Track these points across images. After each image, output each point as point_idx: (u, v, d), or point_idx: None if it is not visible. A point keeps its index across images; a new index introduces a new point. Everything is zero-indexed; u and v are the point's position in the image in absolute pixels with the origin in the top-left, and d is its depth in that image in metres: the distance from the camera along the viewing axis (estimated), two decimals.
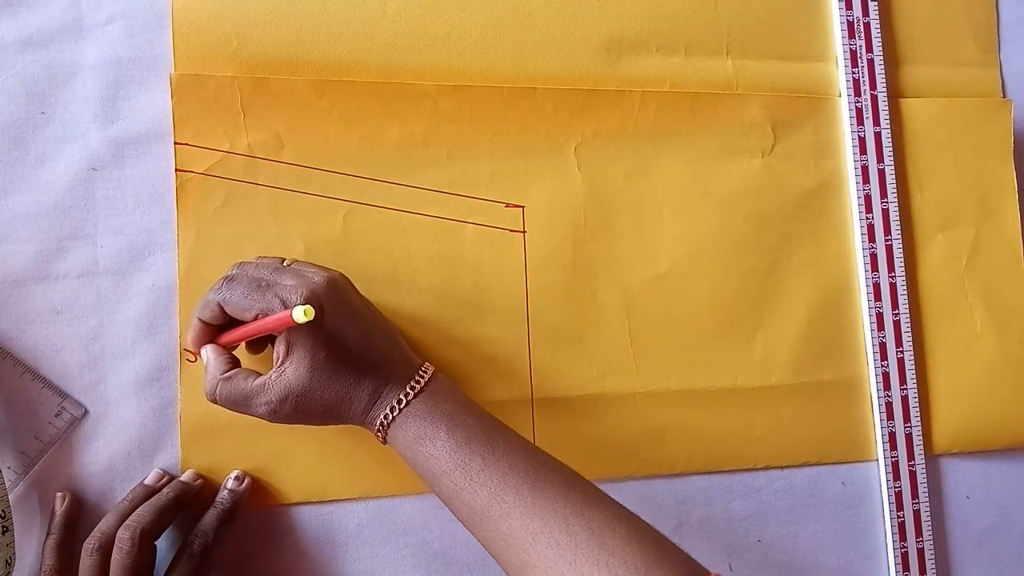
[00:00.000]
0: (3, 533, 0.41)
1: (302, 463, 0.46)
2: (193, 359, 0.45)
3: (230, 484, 0.44)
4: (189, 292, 0.45)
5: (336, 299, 0.39)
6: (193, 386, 0.45)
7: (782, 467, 0.52)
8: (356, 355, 0.39)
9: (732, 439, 0.51)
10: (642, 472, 0.50)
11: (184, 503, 0.43)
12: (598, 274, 0.51)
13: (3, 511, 0.41)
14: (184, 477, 0.44)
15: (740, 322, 0.52)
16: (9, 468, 0.43)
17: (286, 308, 0.37)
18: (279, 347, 0.38)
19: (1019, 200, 0.57)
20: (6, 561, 0.41)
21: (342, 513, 0.47)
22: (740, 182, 0.53)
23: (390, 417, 0.39)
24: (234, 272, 0.40)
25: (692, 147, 0.52)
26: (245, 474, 0.45)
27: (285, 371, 0.38)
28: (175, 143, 0.45)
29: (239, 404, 0.39)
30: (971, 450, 0.55)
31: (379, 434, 0.40)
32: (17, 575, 0.42)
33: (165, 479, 0.44)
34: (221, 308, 0.39)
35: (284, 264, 0.42)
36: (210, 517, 0.43)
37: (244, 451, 0.45)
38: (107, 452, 0.45)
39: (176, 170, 0.45)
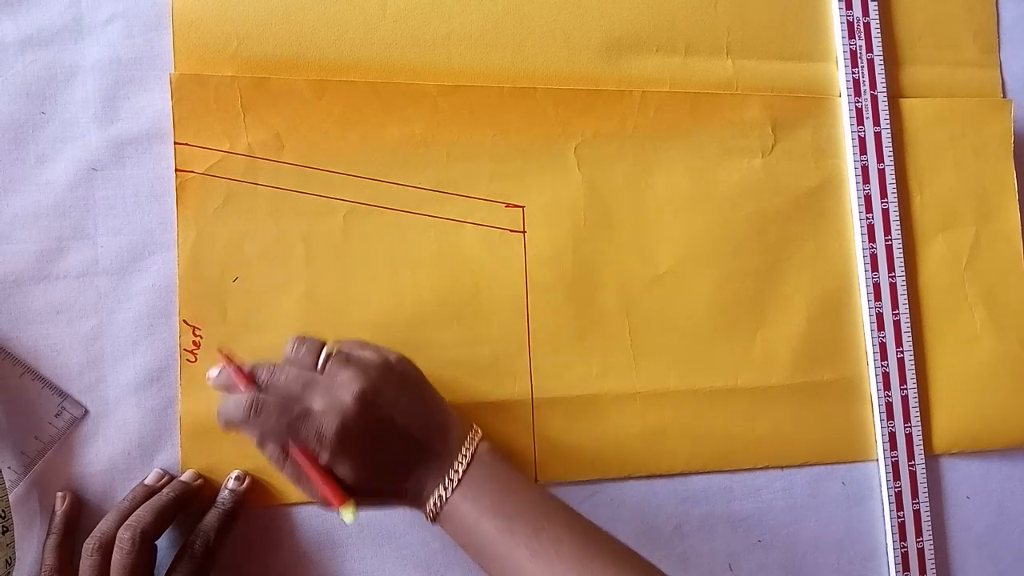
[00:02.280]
0: (3, 533, 0.41)
1: None
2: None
3: (231, 484, 0.44)
4: (189, 292, 0.45)
5: (367, 412, 0.38)
6: (193, 386, 0.45)
7: (782, 467, 0.52)
8: (398, 458, 0.39)
9: (732, 439, 0.51)
10: (642, 472, 0.50)
11: (184, 503, 0.43)
12: (598, 274, 0.50)
13: (3, 511, 0.41)
14: (184, 477, 0.44)
15: (740, 322, 0.52)
16: (9, 468, 0.43)
17: (320, 444, 0.37)
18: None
19: (1019, 200, 0.57)
20: (6, 561, 0.41)
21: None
22: (740, 182, 0.53)
23: (437, 507, 0.40)
24: (260, 398, 0.38)
25: (692, 147, 0.52)
26: (246, 474, 0.45)
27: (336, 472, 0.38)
28: (175, 143, 0.45)
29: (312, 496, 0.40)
30: (971, 450, 0.55)
31: (431, 519, 0.40)
32: (17, 575, 0.42)
33: (165, 479, 0.44)
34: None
35: (320, 363, 0.40)
36: (211, 517, 0.43)
37: (244, 451, 0.45)
38: (107, 452, 0.45)
39: (176, 170, 0.45)
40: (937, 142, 0.56)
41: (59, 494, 0.43)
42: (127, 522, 0.40)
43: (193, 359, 0.45)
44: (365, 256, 0.48)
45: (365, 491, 0.39)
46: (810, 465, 0.53)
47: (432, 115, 0.49)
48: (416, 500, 0.41)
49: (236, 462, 0.45)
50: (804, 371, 0.53)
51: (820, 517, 0.53)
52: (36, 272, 0.44)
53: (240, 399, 0.38)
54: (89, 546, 0.40)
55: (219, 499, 0.44)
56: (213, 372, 0.41)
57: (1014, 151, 0.57)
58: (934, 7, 0.57)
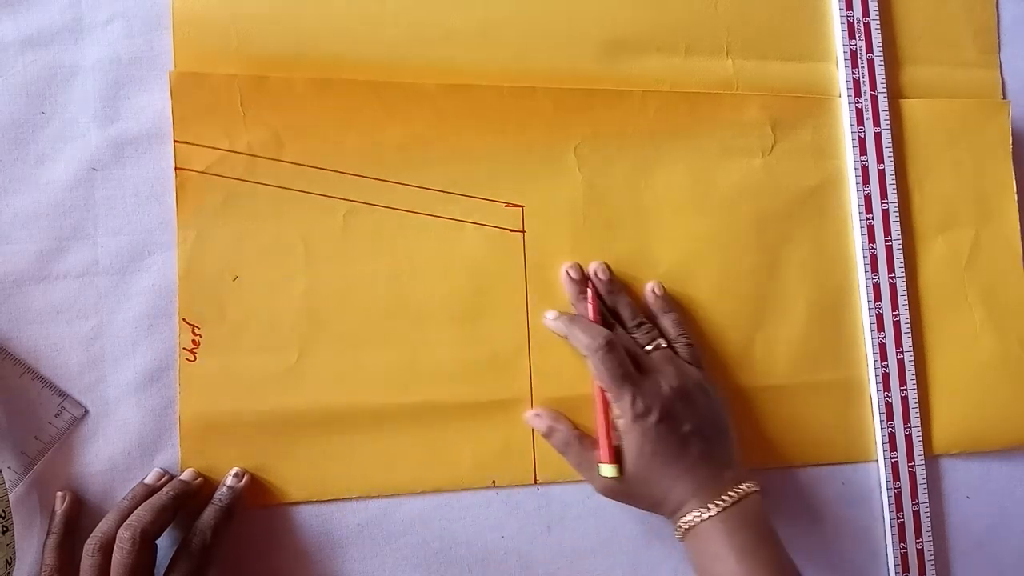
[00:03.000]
0: (3, 533, 0.41)
1: (301, 462, 0.46)
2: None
3: (229, 481, 0.44)
4: (189, 291, 0.45)
5: (672, 410, 0.44)
6: (192, 385, 0.45)
7: (782, 467, 0.52)
8: (672, 461, 0.44)
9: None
10: None
11: (184, 502, 0.43)
12: None
13: (3, 511, 0.41)
14: (184, 476, 0.44)
15: (739, 322, 0.52)
16: (9, 468, 0.43)
17: (633, 411, 0.44)
18: (616, 431, 0.45)
19: (1019, 201, 0.57)
20: (6, 561, 0.41)
21: (342, 513, 0.47)
22: (740, 182, 0.53)
23: (691, 524, 0.43)
24: (613, 344, 0.45)
25: (692, 147, 0.52)
26: (244, 471, 0.45)
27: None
28: (175, 141, 0.45)
29: (577, 467, 0.47)
30: (971, 451, 0.55)
31: (678, 533, 0.44)
32: (17, 575, 0.42)
33: (165, 478, 0.44)
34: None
35: (652, 347, 0.48)
36: (208, 515, 0.43)
37: (243, 450, 0.45)
38: (107, 452, 0.45)
39: (176, 168, 0.45)
40: (937, 143, 0.56)
41: (59, 494, 0.43)
42: (127, 522, 0.40)
43: (192, 358, 0.45)
44: (365, 255, 0.48)
45: (634, 478, 0.44)
46: (810, 465, 0.53)
47: (432, 115, 0.49)
48: (670, 509, 0.44)
49: (235, 460, 0.45)
50: (803, 371, 0.53)
51: (820, 517, 0.53)
52: (36, 272, 0.44)
53: (600, 328, 0.46)
54: (90, 546, 0.40)
55: (216, 496, 0.44)
56: (551, 315, 0.48)
57: (1013, 152, 0.57)
58: (934, 7, 0.57)
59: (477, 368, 0.49)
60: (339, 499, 0.47)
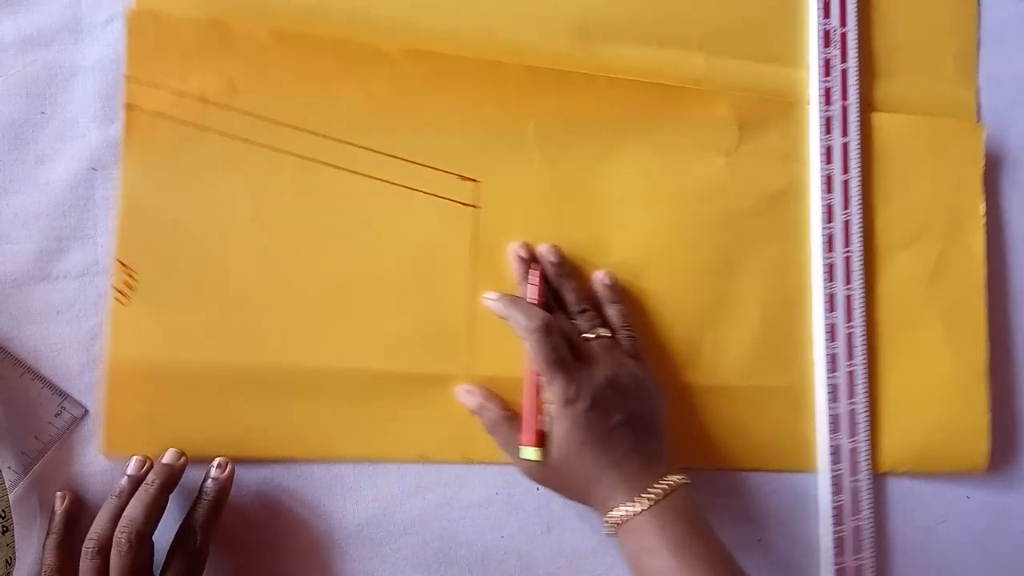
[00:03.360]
0: (3, 533, 0.41)
1: (224, 416, 0.45)
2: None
3: (213, 473, 0.43)
4: (128, 232, 0.45)
5: (604, 399, 0.43)
6: (122, 327, 0.44)
7: (723, 469, 0.51)
8: (600, 451, 0.43)
9: (673, 435, 0.49)
10: None
11: (172, 487, 0.42)
12: None
13: (3, 511, 0.41)
14: (166, 459, 0.43)
15: (690, 319, 0.51)
16: (9, 468, 0.43)
17: (564, 397, 0.43)
18: (542, 415, 0.44)
19: (986, 225, 0.56)
20: (6, 561, 0.41)
21: (342, 513, 0.47)
22: (702, 179, 0.52)
23: (622, 520, 0.42)
24: (551, 327, 0.44)
25: (656, 139, 0.52)
26: (227, 461, 0.44)
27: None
28: (127, 79, 0.45)
29: (504, 447, 0.46)
30: (919, 471, 0.54)
31: (609, 530, 0.43)
32: (17, 575, 0.42)
33: (147, 464, 0.43)
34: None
35: (593, 335, 0.46)
36: (199, 512, 0.42)
37: (168, 399, 0.45)
38: None
39: (126, 105, 0.45)
40: (906, 158, 0.55)
41: (58, 494, 0.43)
42: (121, 524, 0.40)
43: (124, 301, 0.44)
44: (312, 213, 0.47)
45: (555, 465, 0.43)
46: (751, 470, 0.52)
47: (394, 78, 0.48)
48: (597, 500, 0.43)
49: (158, 409, 0.44)
50: (751, 375, 0.52)
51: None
52: (36, 272, 0.44)
53: (539, 311, 0.45)
54: (88, 549, 0.39)
55: (204, 489, 0.43)
56: (492, 296, 0.47)
57: (984, 177, 0.56)
58: (916, 25, 0.57)
59: (416, 340, 0.48)
60: (259, 459, 0.46)
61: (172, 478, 0.42)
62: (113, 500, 0.41)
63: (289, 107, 0.47)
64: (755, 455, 0.52)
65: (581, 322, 0.47)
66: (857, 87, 0.54)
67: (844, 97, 0.54)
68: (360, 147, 0.47)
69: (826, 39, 0.54)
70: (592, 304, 0.48)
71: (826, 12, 0.54)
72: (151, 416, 0.44)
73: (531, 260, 0.48)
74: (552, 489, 0.45)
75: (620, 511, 0.42)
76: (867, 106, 0.55)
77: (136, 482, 0.42)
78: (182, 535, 0.41)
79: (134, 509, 0.40)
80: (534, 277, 0.47)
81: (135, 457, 0.43)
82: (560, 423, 0.43)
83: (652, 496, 0.41)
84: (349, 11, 0.48)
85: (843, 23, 0.55)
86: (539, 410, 0.44)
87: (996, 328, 0.56)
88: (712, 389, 0.51)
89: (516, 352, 0.48)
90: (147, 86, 0.45)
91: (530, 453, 0.43)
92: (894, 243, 0.55)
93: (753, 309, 0.52)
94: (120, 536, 0.39)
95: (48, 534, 0.42)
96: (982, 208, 0.56)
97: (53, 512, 0.42)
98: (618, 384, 0.44)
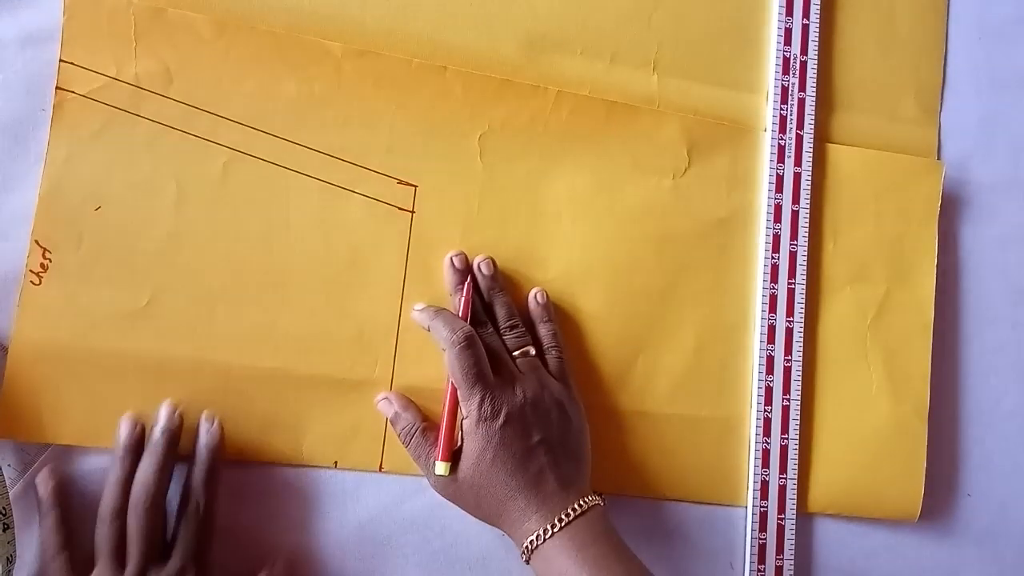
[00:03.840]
0: (3, 531, 0.41)
1: (128, 408, 0.44)
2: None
3: (202, 438, 0.43)
4: (47, 213, 0.44)
5: (522, 418, 0.42)
6: (31, 308, 0.43)
7: (646, 497, 0.50)
8: (513, 471, 0.42)
9: (599, 460, 0.49)
10: None
11: (176, 444, 0.43)
12: None
13: (3, 508, 0.41)
14: (162, 419, 0.43)
15: (623, 342, 0.50)
16: (9, 466, 0.43)
17: (479, 413, 0.42)
18: (458, 430, 0.43)
19: (937, 266, 0.55)
20: (7, 559, 0.41)
21: (342, 512, 0.47)
22: (646, 200, 0.51)
23: (535, 544, 0.40)
24: (472, 341, 0.43)
25: (602, 156, 0.51)
26: (213, 416, 0.44)
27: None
28: (60, 60, 0.44)
29: (416, 459, 0.45)
30: (847, 514, 0.53)
31: (523, 555, 0.41)
32: (17, 574, 0.42)
33: (140, 426, 0.43)
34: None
35: (519, 353, 0.46)
36: (197, 476, 0.42)
37: (72, 386, 0.44)
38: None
39: (56, 88, 0.44)
40: (860, 193, 0.54)
41: (39, 478, 0.42)
42: (135, 488, 0.40)
43: (37, 281, 0.43)
44: (239, 208, 0.46)
45: (468, 483, 0.42)
46: (678, 500, 0.51)
47: (334, 76, 0.47)
48: (508, 524, 0.42)
49: (61, 395, 0.43)
50: (682, 403, 0.51)
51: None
52: None
53: (463, 324, 0.44)
54: (104, 515, 0.40)
55: (197, 450, 0.43)
56: (418, 307, 0.46)
57: (941, 215, 0.55)
58: (879, 58, 0.56)
59: (339, 343, 0.47)
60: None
61: (174, 435, 0.43)
62: (116, 468, 0.41)
63: (226, 99, 0.46)
64: (682, 485, 0.51)
65: (509, 338, 0.46)
66: (813, 117, 0.53)
67: (800, 126, 0.53)
68: (296, 144, 0.47)
69: (785, 66, 0.53)
70: (524, 321, 0.47)
71: (787, 39, 0.54)
72: (51, 400, 0.43)
73: (465, 271, 0.47)
74: (464, 508, 0.44)
75: (534, 536, 0.41)
76: (823, 137, 0.54)
77: (132, 447, 0.42)
78: (185, 500, 0.42)
79: (145, 472, 0.41)
80: (465, 289, 0.46)
81: (124, 422, 0.43)
82: (473, 439, 0.42)
83: (566, 518, 0.41)
84: (293, 7, 0.47)
85: (804, 51, 0.54)
86: (455, 425, 0.43)
87: (941, 374, 0.55)
88: (641, 415, 0.50)
89: (438, 362, 0.47)
90: (81, 68, 0.44)
91: (441, 468, 0.42)
92: (840, 278, 0.54)
93: (689, 335, 0.51)
94: (136, 503, 0.40)
95: (42, 517, 0.41)
96: (935, 248, 0.55)
97: (39, 499, 0.42)
98: (539, 405, 0.43)
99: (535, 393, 0.43)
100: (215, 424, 0.44)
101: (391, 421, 0.46)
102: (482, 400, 0.42)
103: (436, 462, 0.43)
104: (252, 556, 0.45)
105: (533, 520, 0.41)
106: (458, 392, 0.43)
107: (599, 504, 0.42)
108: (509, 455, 0.42)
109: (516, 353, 0.46)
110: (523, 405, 0.43)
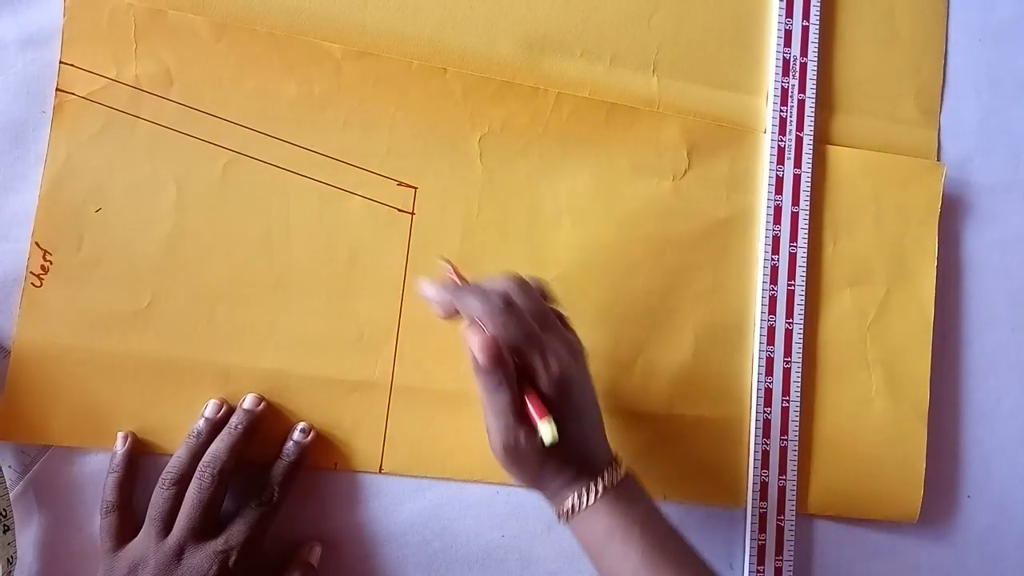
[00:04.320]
0: (4, 532, 0.41)
1: (130, 409, 0.44)
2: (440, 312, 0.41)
3: (296, 436, 0.45)
4: (47, 215, 0.44)
5: (579, 379, 0.40)
6: (33, 311, 0.43)
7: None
8: (573, 441, 0.39)
9: None
10: (494, 479, 0.48)
11: (254, 431, 0.44)
12: (483, 269, 0.49)
13: (4, 510, 0.41)
14: (247, 405, 0.44)
15: (623, 343, 0.50)
16: (9, 467, 0.43)
17: (547, 372, 0.38)
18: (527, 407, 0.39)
19: (937, 268, 0.55)
20: (7, 560, 0.41)
21: (342, 512, 0.47)
22: (646, 201, 0.51)
23: (582, 505, 0.39)
24: (512, 303, 0.39)
25: (602, 158, 0.51)
26: (310, 427, 0.45)
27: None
28: (60, 62, 0.44)
29: (500, 414, 0.39)
30: (847, 516, 0.53)
31: (563, 517, 0.40)
32: (18, 574, 0.42)
33: (224, 409, 0.44)
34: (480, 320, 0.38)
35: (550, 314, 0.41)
36: (278, 469, 0.44)
37: (74, 387, 0.44)
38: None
39: (56, 89, 0.44)
40: (860, 194, 0.54)
41: (120, 434, 0.43)
42: (206, 459, 0.41)
43: (38, 283, 0.44)
44: (240, 209, 0.46)
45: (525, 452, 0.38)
46: (674, 501, 0.51)
47: (334, 78, 0.47)
48: (556, 492, 0.40)
49: (63, 396, 0.44)
50: (682, 404, 0.51)
51: None
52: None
53: (487, 297, 0.38)
54: (166, 479, 0.41)
55: (285, 450, 0.44)
56: (427, 284, 0.41)
57: (941, 216, 0.55)
58: (879, 60, 0.56)
59: (339, 344, 0.47)
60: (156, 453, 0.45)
61: (254, 423, 0.44)
62: (192, 440, 0.43)
63: (226, 101, 0.46)
64: (681, 486, 0.51)
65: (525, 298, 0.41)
66: (813, 118, 0.53)
67: (799, 128, 0.53)
68: (296, 146, 0.47)
69: (784, 68, 0.53)
70: None
71: (787, 41, 0.54)
72: (52, 402, 0.43)
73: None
74: (517, 471, 0.40)
75: (573, 500, 0.39)
76: (823, 139, 0.54)
77: (214, 425, 0.43)
78: (257, 489, 0.43)
79: (219, 447, 0.42)
80: (448, 269, 0.43)
81: (212, 401, 0.44)
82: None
83: (604, 484, 0.40)
84: (293, 8, 0.47)
85: (804, 53, 0.54)
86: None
87: (941, 375, 0.55)
88: (641, 415, 0.50)
89: (439, 363, 0.47)
90: (81, 70, 0.44)
91: (549, 431, 0.37)
92: (840, 280, 0.54)
93: (688, 337, 0.51)
94: (203, 470, 0.41)
95: (109, 472, 0.42)
96: (935, 250, 0.55)
97: (114, 452, 0.43)
98: (579, 355, 0.41)
99: (572, 345, 0.41)
100: (312, 433, 0.45)
101: (479, 352, 0.38)
102: (545, 358, 0.39)
103: (542, 424, 0.37)
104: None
105: (578, 484, 0.40)
106: (522, 355, 0.39)
107: (629, 471, 0.42)
108: (571, 424, 0.39)
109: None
110: (569, 359, 0.39)
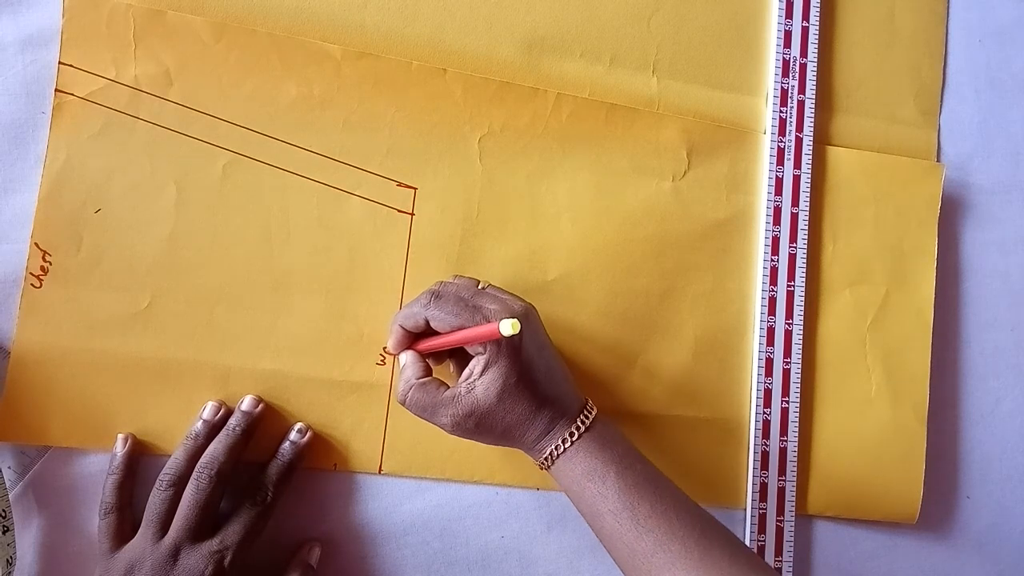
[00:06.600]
0: (3, 533, 0.41)
1: (130, 410, 0.44)
2: (383, 362, 0.46)
3: (292, 436, 0.45)
4: (47, 216, 0.44)
5: (531, 329, 0.41)
6: (32, 312, 0.43)
7: None
8: (541, 385, 0.40)
9: None
10: (493, 480, 0.48)
11: (252, 433, 0.44)
12: (482, 270, 0.49)
13: (3, 511, 0.41)
14: (245, 407, 0.44)
15: (623, 344, 0.50)
16: (9, 468, 0.43)
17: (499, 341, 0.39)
18: (476, 365, 0.40)
19: (937, 269, 0.55)
20: (7, 561, 0.41)
21: (341, 513, 0.47)
22: (646, 202, 0.51)
23: (561, 449, 0.40)
24: (438, 289, 0.41)
25: (601, 158, 0.51)
26: (307, 427, 0.45)
27: (475, 388, 0.39)
28: (60, 63, 0.44)
29: (425, 411, 0.41)
30: (846, 517, 0.53)
31: (544, 464, 0.41)
32: (17, 575, 0.42)
33: (222, 411, 0.44)
34: (427, 321, 0.40)
35: (481, 287, 0.43)
36: (273, 469, 0.44)
37: (74, 387, 0.44)
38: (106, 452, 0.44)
39: (56, 90, 0.44)
40: (860, 195, 0.54)
41: (120, 436, 0.43)
42: (203, 461, 0.41)
43: (38, 284, 0.44)
44: (239, 210, 0.46)
45: (496, 407, 0.39)
46: None
47: (334, 79, 0.47)
48: (535, 442, 0.41)
49: (63, 396, 0.44)
50: (681, 405, 0.51)
51: None
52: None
53: (415, 299, 0.41)
54: (163, 481, 0.41)
55: (280, 451, 0.44)
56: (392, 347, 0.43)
57: (941, 217, 0.55)
58: (879, 60, 0.56)
59: (338, 345, 0.47)
60: (156, 455, 0.45)
61: (252, 425, 0.44)
62: (189, 441, 0.43)
63: (224, 101, 0.46)
64: (681, 486, 0.50)
65: (461, 281, 0.44)
66: (813, 119, 0.53)
67: (799, 129, 0.53)
68: (296, 146, 0.47)
69: (784, 68, 0.53)
70: None
71: (787, 41, 0.54)
72: (52, 403, 0.43)
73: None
74: (479, 439, 0.41)
75: (554, 446, 0.40)
76: (822, 139, 0.54)
77: (211, 426, 0.43)
78: (252, 489, 0.43)
79: (217, 449, 0.42)
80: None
81: (210, 402, 0.44)
82: (496, 366, 0.39)
83: (585, 422, 0.41)
84: (292, 9, 0.47)
85: (803, 54, 0.54)
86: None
87: (940, 376, 0.55)
88: (641, 416, 0.50)
89: (440, 367, 0.47)
90: (80, 71, 0.44)
91: (507, 327, 0.35)
92: (840, 280, 0.54)
93: (688, 338, 0.51)
94: (201, 471, 0.41)
95: (108, 474, 0.42)
96: (934, 251, 0.55)
97: (114, 453, 0.43)
98: (515, 309, 0.41)
99: (524, 307, 0.42)
100: (308, 434, 0.45)
101: (402, 367, 0.42)
102: (482, 317, 0.40)
103: (504, 321, 0.36)
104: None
105: (557, 431, 0.41)
106: (474, 332, 0.39)
107: (601, 415, 0.42)
108: (530, 376, 0.40)
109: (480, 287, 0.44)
110: (507, 311, 0.40)
